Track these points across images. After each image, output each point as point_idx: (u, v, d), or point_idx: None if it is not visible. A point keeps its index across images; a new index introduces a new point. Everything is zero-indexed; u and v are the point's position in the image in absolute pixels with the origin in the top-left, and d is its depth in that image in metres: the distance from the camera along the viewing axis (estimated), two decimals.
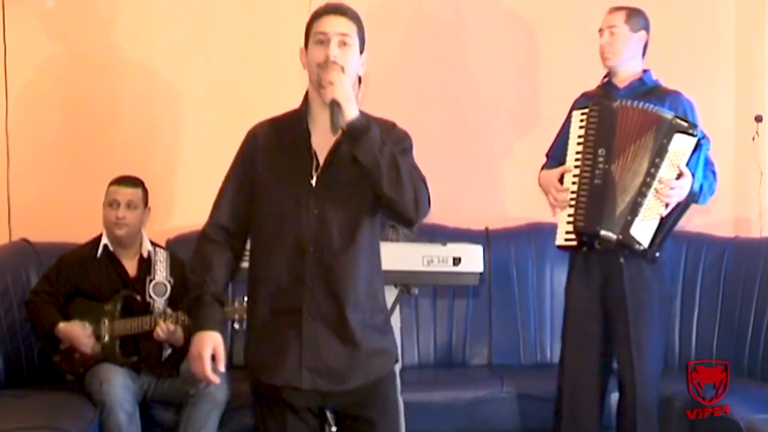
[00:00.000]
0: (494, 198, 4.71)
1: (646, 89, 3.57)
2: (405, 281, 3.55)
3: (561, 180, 3.51)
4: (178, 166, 4.55)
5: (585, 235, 3.42)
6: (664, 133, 3.36)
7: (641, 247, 3.36)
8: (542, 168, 3.70)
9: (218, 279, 2.50)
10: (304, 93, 2.56)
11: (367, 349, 2.48)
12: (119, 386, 3.54)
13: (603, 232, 3.37)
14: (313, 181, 2.45)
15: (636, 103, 3.41)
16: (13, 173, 4.44)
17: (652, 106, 3.41)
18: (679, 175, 3.35)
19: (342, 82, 2.37)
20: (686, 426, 3.70)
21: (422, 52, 4.66)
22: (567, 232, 3.47)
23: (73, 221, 4.26)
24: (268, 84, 4.49)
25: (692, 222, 4.54)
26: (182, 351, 3.78)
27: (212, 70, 4.56)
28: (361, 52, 2.49)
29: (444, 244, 3.83)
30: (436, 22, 4.65)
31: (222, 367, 2.46)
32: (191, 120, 4.57)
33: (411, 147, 2.51)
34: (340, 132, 2.40)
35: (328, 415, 2.54)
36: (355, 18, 2.47)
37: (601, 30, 3.62)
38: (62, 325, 3.66)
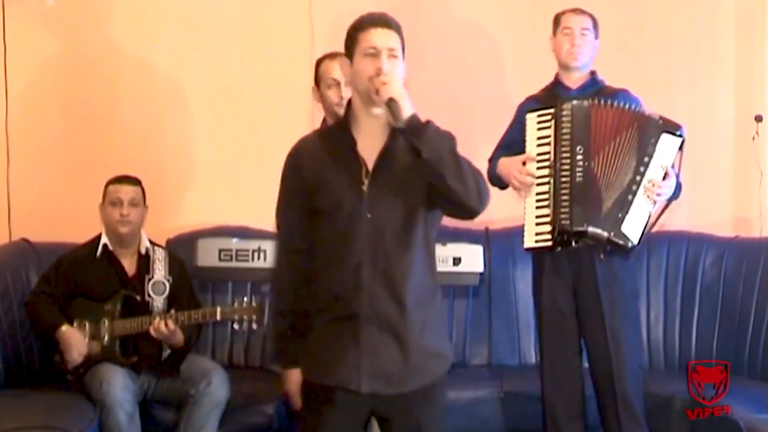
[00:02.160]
0: (494, 198, 4.68)
1: (597, 89, 3.63)
2: None
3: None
4: (179, 166, 4.55)
5: (570, 233, 3.40)
6: (652, 132, 3.40)
7: (630, 244, 3.38)
8: (487, 171, 3.66)
9: (300, 308, 2.56)
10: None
11: (423, 351, 2.51)
12: (119, 386, 3.54)
13: (591, 230, 3.38)
14: (365, 187, 2.48)
15: (608, 101, 3.44)
16: (13, 173, 4.44)
17: (626, 104, 3.46)
18: (665, 176, 3.39)
19: (395, 81, 2.42)
20: (686, 426, 3.70)
21: (422, 52, 4.65)
22: (538, 233, 3.47)
23: (73, 221, 4.26)
24: (268, 83, 4.49)
25: (692, 222, 4.55)
26: (182, 351, 3.78)
27: (213, 70, 4.56)
28: (402, 60, 2.52)
29: (444, 244, 3.84)
30: (436, 22, 4.64)
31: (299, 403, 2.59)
32: (191, 120, 4.57)
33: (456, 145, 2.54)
34: (386, 135, 2.46)
35: (373, 422, 2.59)
36: (399, 29, 2.51)
37: (568, 29, 3.62)
38: (64, 329, 3.66)
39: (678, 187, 3.47)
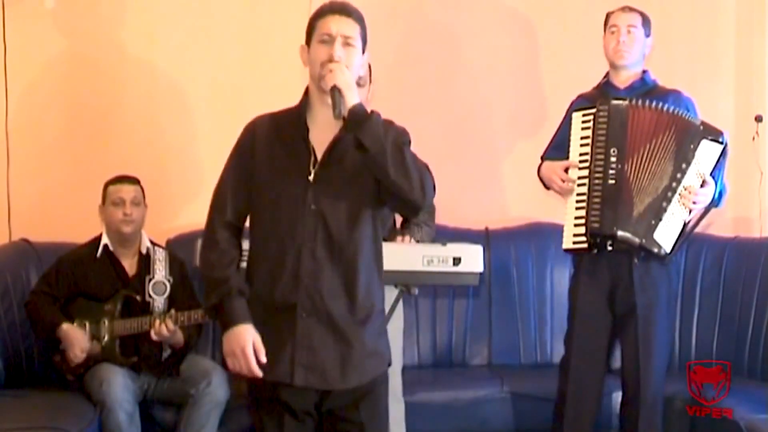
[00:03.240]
0: (494, 198, 4.71)
1: (647, 89, 3.57)
2: (405, 281, 3.55)
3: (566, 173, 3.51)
4: (179, 166, 4.55)
5: (599, 236, 3.37)
6: (691, 138, 3.35)
7: (663, 252, 3.34)
8: (538, 169, 3.69)
9: (237, 274, 2.48)
10: (304, 90, 2.56)
11: (361, 349, 2.47)
12: (119, 386, 3.54)
13: (620, 233, 3.34)
14: (311, 177, 2.45)
15: (646, 102, 3.40)
16: (13, 173, 4.44)
17: (666, 106, 3.40)
18: (703, 183, 3.34)
19: (342, 70, 2.39)
20: (687, 426, 3.70)
21: (422, 52, 4.66)
22: (575, 235, 3.44)
23: (73, 221, 4.26)
24: (269, 83, 4.49)
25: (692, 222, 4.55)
26: (182, 351, 3.78)
27: (213, 70, 4.56)
28: (363, 52, 2.49)
29: (444, 244, 3.83)
30: (436, 22, 4.65)
31: (264, 358, 2.42)
32: (192, 120, 4.57)
33: (409, 142, 2.50)
34: (340, 126, 2.41)
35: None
36: (359, 19, 2.48)
37: (615, 26, 3.59)
38: (65, 327, 3.66)
39: (720, 195, 3.42)
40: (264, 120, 2.57)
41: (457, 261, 3.83)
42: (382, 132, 2.36)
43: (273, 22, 4.54)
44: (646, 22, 3.60)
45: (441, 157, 4.42)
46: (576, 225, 3.44)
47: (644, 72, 3.62)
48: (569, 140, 3.52)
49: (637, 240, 3.34)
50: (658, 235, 3.34)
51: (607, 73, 3.67)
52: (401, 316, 3.49)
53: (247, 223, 2.59)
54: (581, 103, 3.60)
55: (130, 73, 4.54)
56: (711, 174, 3.37)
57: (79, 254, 3.88)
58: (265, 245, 2.48)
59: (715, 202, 3.43)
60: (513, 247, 4.45)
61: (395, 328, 3.35)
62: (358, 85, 3.42)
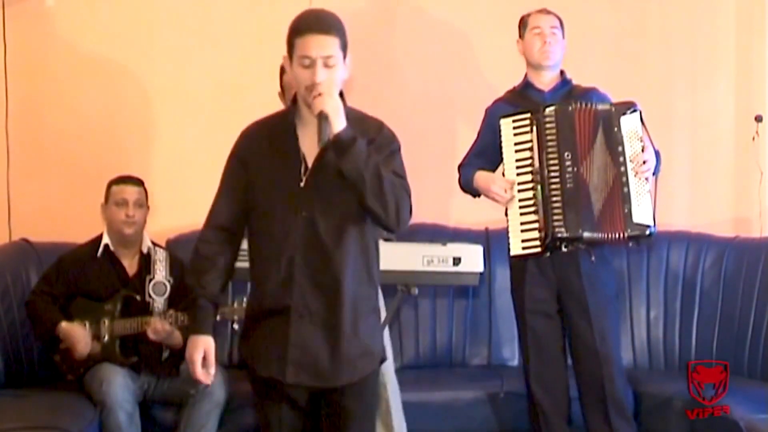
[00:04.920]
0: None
1: (568, 89, 3.64)
2: (405, 281, 3.56)
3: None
4: (178, 166, 4.54)
5: (563, 240, 3.39)
6: (612, 121, 3.40)
7: (649, 231, 3.38)
8: (459, 178, 3.69)
9: (213, 282, 2.59)
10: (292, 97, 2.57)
11: (353, 349, 2.55)
12: (119, 386, 3.54)
13: (587, 234, 3.37)
14: (302, 184, 2.51)
15: (584, 103, 3.44)
16: (13, 173, 4.44)
17: (592, 103, 3.46)
18: (643, 149, 3.40)
19: (330, 94, 2.42)
20: (686, 426, 3.70)
21: (422, 52, 4.66)
22: (525, 240, 3.46)
23: (73, 221, 4.26)
24: (268, 83, 4.47)
25: (692, 222, 4.55)
26: (182, 351, 3.77)
27: (212, 70, 4.56)
28: (345, 57, 2.50)
29: (444, 244, 3.83)
30: (436, 22, 4.64)
31: (212, 371, 2.58)
32: (191, 120, 4.57)
33: (399, 149, 2.57)
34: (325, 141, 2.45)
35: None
36: (338, 30, 2.47)
37: (538, 28, 3.63)
38: (64, 325, 3.66)
39: (657, 155, 3.46)
40: (256, 127, 2.64)
41: (457, 261, 3.83)
42: (363, 160, 2.41)
43: (273, 22, 4.53)
44: (562, 24, 3.68)
45: (441, 158, 4.44)
46: (525, 230, 3.46)
47: (562, 72, 3.69)
48: (497, 146, 3.53)
49: (616, 235, 3.36)
50: (637, 218, 3.38)
51: (526, 75, 3.70)
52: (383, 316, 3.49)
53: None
54: (503, 108, 3.62)
55: (130, 73, 4.54)
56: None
57: (79, 254, 3.88)
58: (261, 250, 2.58)
59: (658, 159, 3.47)
60: None
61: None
62: None
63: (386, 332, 3.46)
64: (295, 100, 2.59)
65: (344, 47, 2.48)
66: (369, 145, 2.48)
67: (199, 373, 2.56)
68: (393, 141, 2.57)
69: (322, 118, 2.40)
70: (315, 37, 2.44)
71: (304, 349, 2.52)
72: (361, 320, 2.56)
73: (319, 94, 2.41)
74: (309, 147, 2.52)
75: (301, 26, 2.47)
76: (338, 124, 2.41)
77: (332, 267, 2.50)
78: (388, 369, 3.38)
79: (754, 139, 4.55)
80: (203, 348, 2.56)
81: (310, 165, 2.52)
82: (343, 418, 2.60)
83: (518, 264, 3.58)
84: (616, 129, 3.40)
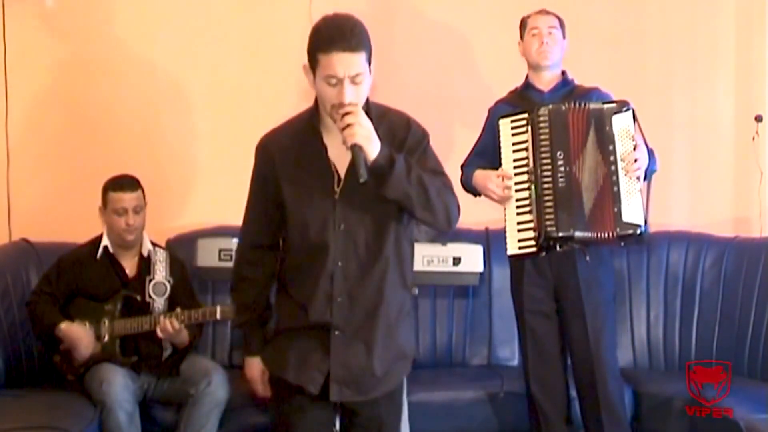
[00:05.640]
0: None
1: (568, 90, 3.64)
2: None
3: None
4: (179, 166, 4.55)
5: (556, 239, 3.39)
6: (603, 120, 3.40)
7: (640, 230, 3.37)
8: (461, 178, 3.69)
9: (259, 301, 2.62)
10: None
11: (390, 356, 2.53)
12: (119, 386, 3.54)
13: (578, 234, 3.38)
14: (337, 196, 2.45)
15: (579, 103, 3.44)
16: (13, 173, 4.44)
17: (589, 103, 3.46)
18: (635, 147, 3.39)
19: (360, 122, 2.31)
20: (686, 426, 3.70)
21: (422, 52, 4.66)
22: (521, 240, 3.46)
23: (73, 221, 4.26)
24: (268, 83, 4.49)
25: (692, 222, 4.55)
26: (183, 351, 3.78)
27: (213, 70, 4.56)
28: (370, 67, 2.39)
29: (444, 244, 3.84)
30: (436, 22, 4.64)
31: (266, 392, 2.65)
32: (191, 120, 4.57)
33: (428, 142, 2.52)
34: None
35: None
36: (364, 44, 2.34)
37: (536, 29, 3.63)
38: (64, 325, 3.66)
39: (651, 154, 3.45)
40: (277, 138, 2.54)
41: (457, 261, 3.84)
42: (405, 179, 2.35)
43: (273, 22, 4.54)
44: (562, 24, 3.67)
45: (441, 157, 4.43)
46: (521, 230, 3.46)
47: (563, 72, 3.68)
48: (497, 146, 3.54)
49: (605, 234, 3.36)
50: (627, 217, 3.37)
51: (527, 76, 3.70)
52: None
53: None
54: (503, 109, 3.63)
55: (129, 72, 4.54)
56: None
57: (79, 254, 3.88)
58: (298, 267, 2.51)
59: (652, 158, 3.46)
60: None
61: None
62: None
63: None
64: (316, 107, 2.48)
65: (370, 58, 2.37)
66: (403, 151, 2.41)
67: (263, 390, 2.64)
68: (424, 136, 2.50)
69: (356, 150, 2.31)
70: (342, 56, 2.29)
71: (347, 366, 2.48)
72: (396, 326, 2.53)
73: (348, 126, 2.29)
74: (337, 156, 2.44)
75: (326, 41, 2.31)
76: (373, 150, 2.31)
77: (371, 279, 2.46)
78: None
79: (754, 139, 4.55)
80: (259, 367, 2.62)
81: (342, 174, 2.44)
82: (377, 426, 2.59)
83: (517, 264, 3.59)
84: (607, 128, 3.39)
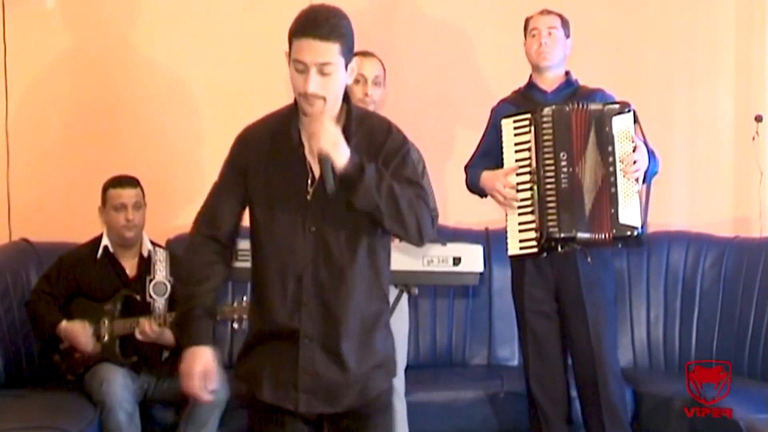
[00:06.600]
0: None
1: (571, 90, 3.63)
2: (405, 281, 3.54)
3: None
4: (179, 166, 4.55)
5: (558, 240, 3.39)
6: (603, 122, 3.40)
7: (636, 232, 3.37)
8: (466, 179, 3.69)
9: (208, 291, 2.41)
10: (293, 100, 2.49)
11: (365, 368, 2.39)
12: (119, 386, 3.54)
13: (580, 235, 3.38)
14: (309, 197, 2.34)
15: (582, 104, 3.44)
16: (13, 173, 4.44)
17: (590, 104, 3.45)
18: (635, 149, 3.38)
19: (325, 128, 2.22)
20: (686, 426, 3.70)
21: (423, 52, 4.66)
22: (523, 240, 3.47)
23: (73, 221, 4.26)
24: (269, 83, 4.48)
25: (692, 222, 4.55)
26: (181, 351, 3.77)
27: (214, 70, 4.56)
28: (348, 61, 2.30)
29: (444, 244, 3.83)
30: (437, 21, 4.65)
31: (213, 386, 2.39)
32: (191, 119, 4.58)
33: (408, 151, 2.39)
34: None
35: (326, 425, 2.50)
36: (337, 36, 2.26)
37: (536, 29, 3.62)
38: (64, 324, 3.66)
39: (652, 156, 3.45)
40: (256, 131, 2.44)
41: (457, 261, 3.82)
42: (374, 189, 2.23)
43: (273, 22, 4.53)
44: (565, 23, 3.65)
45: (441, 158, 4.44)
46: (522, 230, 3.46)
47: (567, 73, 3.67)
48: (501, 147, 3.53)
49: (597, 237, 3.36)
50: (624, 219, 3.37)
51: (530, 77, 3.70)
52: (406, 319, 3.48)
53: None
54: (507, 108, 3.63)
55: (130, 72, 4.54)
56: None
57: (79, 254, 3.88)
58: (264, 268, 2.39)
59: (653, 160, 3.46)
60: None
61: (400, 331, 3.34)
62: (376, 84, 3.41)
63: (404, 339, 3.46)
64: (296, 103, 2.39)
65: (347, 52, 2.28)
66: (380, 156, 2.31)
67: (198, 388, 2.35)
68: (403, 143, 2.38)
69: (322, 159, 2.20)
70: (310, 42, 2.24)
71: (315, 376, 2.34)
72: (373, 336, 2.40)
73: (313, 134, 2.21)
74: (314, 153, 2.32)
75: (300, 27, 2.28)
76: (340, 157, 2.20)
77: (343, 286, 2.33)
78: (398, 381, 3.35)
79: (754, 139, 4.55)
80: (203, 361, 2.35)
81: (317, 174, 2.31)
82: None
83: (518, 264, 3.59)
84: (607, 129, 3.39)
